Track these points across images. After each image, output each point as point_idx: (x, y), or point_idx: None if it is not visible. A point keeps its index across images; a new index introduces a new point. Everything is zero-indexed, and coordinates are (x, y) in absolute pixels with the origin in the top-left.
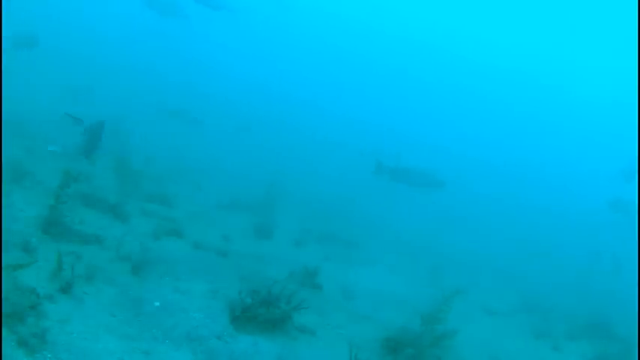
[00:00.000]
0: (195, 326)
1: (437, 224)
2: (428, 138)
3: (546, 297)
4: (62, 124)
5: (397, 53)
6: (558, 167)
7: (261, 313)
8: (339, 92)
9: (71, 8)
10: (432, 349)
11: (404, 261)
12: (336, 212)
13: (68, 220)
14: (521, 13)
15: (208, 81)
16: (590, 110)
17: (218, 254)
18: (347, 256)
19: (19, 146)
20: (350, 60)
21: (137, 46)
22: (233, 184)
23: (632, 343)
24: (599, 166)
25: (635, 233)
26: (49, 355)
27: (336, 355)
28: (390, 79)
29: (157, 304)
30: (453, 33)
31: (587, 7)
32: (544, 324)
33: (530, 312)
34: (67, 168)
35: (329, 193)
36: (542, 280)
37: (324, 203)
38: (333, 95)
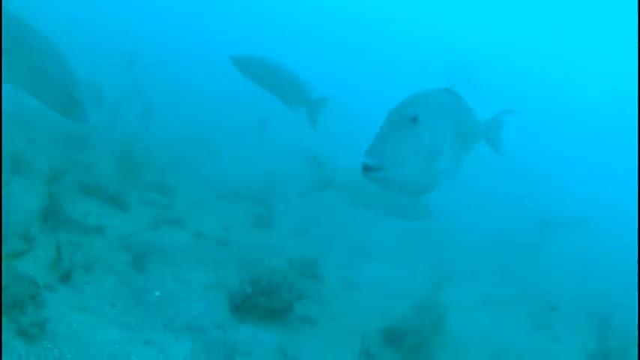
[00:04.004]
0: (195, 316)
1: None
2: None
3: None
4: None
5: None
6: None
7: (261, 302)
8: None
9: None
10: (433, 338)
11: (405, 250)
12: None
13: (68, 209)
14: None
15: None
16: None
17: (219, 244)
18: (348, 246)
19: (19, 135)
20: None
21: None
22: (235, 173)
23: (632, 336)
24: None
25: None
26: (48, 345)
27: (337, 344)
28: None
29: (157, 293)
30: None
31: (589, 6)
32: (544, 315)
33: (530, 303)
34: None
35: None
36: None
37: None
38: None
